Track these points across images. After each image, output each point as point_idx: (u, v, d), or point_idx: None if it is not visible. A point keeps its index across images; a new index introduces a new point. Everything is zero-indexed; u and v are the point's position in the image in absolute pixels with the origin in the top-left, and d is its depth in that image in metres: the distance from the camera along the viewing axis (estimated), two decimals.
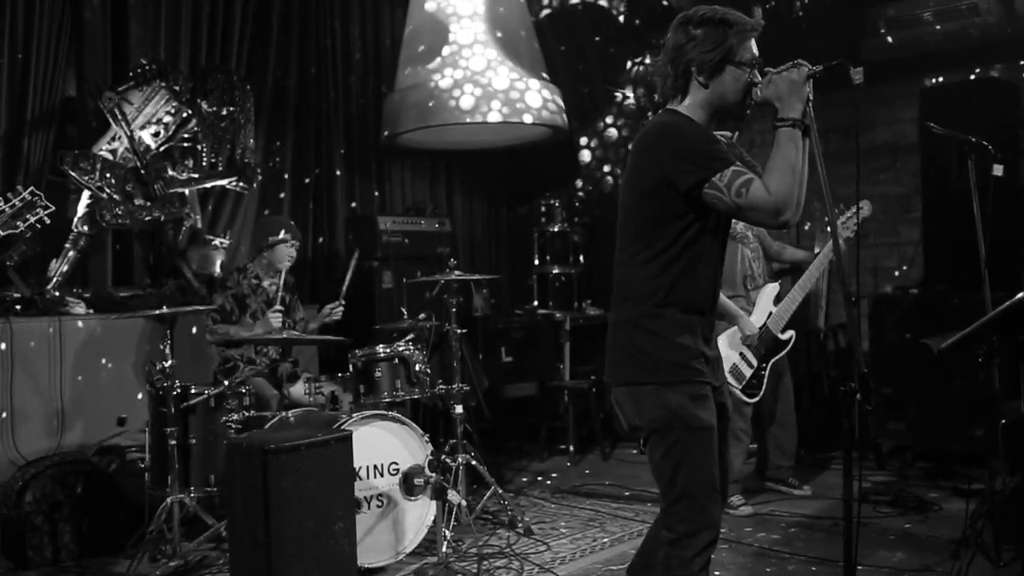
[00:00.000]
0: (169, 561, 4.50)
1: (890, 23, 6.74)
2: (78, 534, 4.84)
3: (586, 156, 9.01)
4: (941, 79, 6.81)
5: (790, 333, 5.25)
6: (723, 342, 5.12)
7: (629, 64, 8.63)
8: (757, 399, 5.18)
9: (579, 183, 9.01)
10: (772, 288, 5.33)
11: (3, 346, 5.18)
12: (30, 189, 2.92)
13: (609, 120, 8.82)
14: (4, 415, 5.18)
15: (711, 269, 2.82)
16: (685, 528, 2.71)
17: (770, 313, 5.23)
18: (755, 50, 2.75)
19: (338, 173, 7.93)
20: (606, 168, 8.87)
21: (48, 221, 2.97)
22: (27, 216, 2.89)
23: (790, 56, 2.71)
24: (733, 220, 2.97)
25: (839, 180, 4.67)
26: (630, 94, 8.63)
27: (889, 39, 6.75)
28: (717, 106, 2.77)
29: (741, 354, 5.15)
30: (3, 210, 2.86)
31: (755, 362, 5.16)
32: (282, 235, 5.41)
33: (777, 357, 5.24)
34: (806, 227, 7.42)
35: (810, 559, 4.38)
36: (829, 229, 2.77)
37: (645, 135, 2.83)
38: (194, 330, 5.84)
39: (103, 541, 4.92)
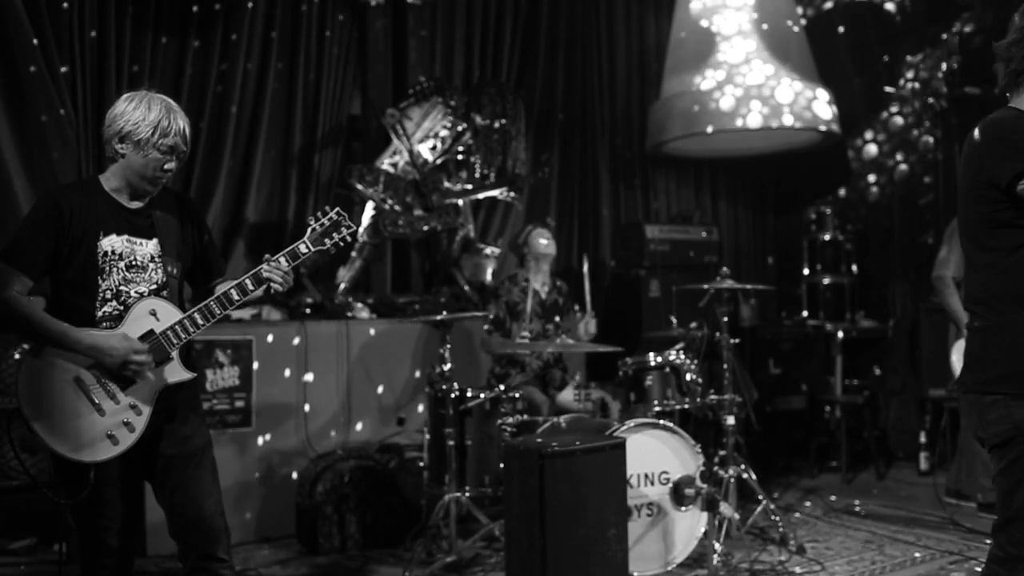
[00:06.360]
0: (445, 557, 4.69)
1: None
2: (362, 525, 5.17)
3: (855, 164, 8.53)
4: None
5: None
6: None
7: (901, 81, 7.99)
8: None
9: (849, 190, 8.51)
10: None
11: (298, 345, 5.58)
12: (336, 210, 3.17)
13: (868, 135, 8.27)
14: (306, 408, 5.59)
15: None
16: (1017, 551, 2.49)
17: None
18: None
19: (603, 182, 8.00)
20: (874, 176, 8.31)
21: (351, 240, 3.18)
22: (333, 235, 3.13)
23: None
24: None
25: None
26: (896, 107, 7.99)
27: None
28: None
29: None
30: (314, 228, 3.12)
31: None
32: (527, 228, 5.78)
33: None
34: None
35: None
36: None
37: (973, 133, 2.64)
38: (469, 336, 6.05)
39: (383, 533, 5.23)
